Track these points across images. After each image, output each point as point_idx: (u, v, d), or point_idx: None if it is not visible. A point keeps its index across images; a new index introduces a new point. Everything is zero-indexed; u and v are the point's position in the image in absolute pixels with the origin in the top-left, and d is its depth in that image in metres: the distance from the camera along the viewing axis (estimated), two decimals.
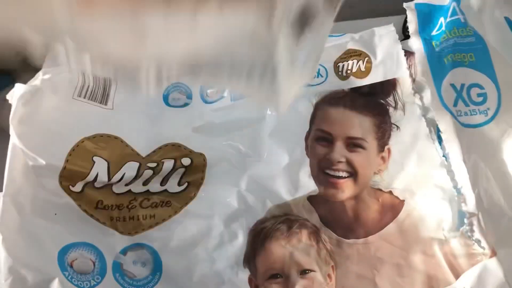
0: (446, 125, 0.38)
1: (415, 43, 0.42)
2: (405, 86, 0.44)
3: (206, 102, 0.45)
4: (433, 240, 0.38)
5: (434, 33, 0.41)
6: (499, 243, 0.35)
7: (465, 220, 0.36)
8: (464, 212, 0.36)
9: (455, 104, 0.38)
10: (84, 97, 0.42)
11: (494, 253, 0.35)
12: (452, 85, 0.38)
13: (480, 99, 0.38)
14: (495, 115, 0.38)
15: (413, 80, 0.44)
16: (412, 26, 0.42)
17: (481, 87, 0.38)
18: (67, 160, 0.40)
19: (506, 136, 0.37)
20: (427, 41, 0.41)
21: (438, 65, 0.39)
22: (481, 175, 0.36)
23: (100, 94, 0.43)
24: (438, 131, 0.41)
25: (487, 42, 0.38)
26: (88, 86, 0.42)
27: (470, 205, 0.36)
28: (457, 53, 0.38)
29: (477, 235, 0.35)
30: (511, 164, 0.37)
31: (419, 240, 0.38)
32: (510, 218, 0.36)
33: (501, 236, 0.35)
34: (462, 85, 0.38)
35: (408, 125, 0.43)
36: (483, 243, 0.35)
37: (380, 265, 0.38)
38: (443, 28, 0.40)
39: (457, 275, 0.36)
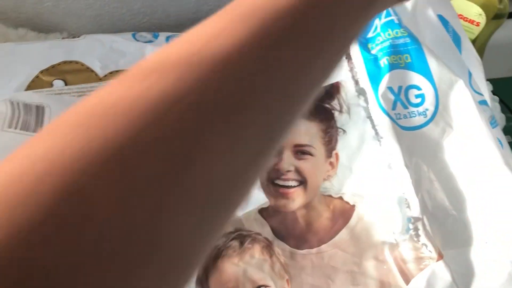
0: (385, 130, 0.38)
1: (352, 46, 0.41)
2: (348, 89, 0.44)
3: None
4: (384, 244, 0.38)
5: (370, 35, 0.41)
6: (445, 244, 0.35)
7: (410, 226, 0.36)
8: (409, 217, 0.36)
9: (393, 108, 0.38)
10: (15, 128, 0.40)
11: (441, 256, 0.35)
12: (390, 88, 0.38)
13: (419, 100, 0.38)
14: (434, 115, 0.38)
15: (356, 82, 0.44)
16: None
17: (418, 88, 0.38)
18: None
19: (446, 135, 0.37)
20: (363, 44, 0.40)
21: (375, 69, 0.39)
22: (424, 178, 0.36)
23: (33, 123, 0.41)
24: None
25: (421, 42, 0.38)
26: (19, 116, 0.40)
27: (415, 210, 0.36)
28: (393, 55, 0.38)
29: (423, 239, 0.35)
30: (453, 163, 0.37)
31: (371, 245, 0.38)
32: (455, 218, 0.36)
33: (447, 237, 0.35)
34: (400, 88, 0.38)
35: (354, 128, 0.43)
36: (430, 247, 0.35)
37: (334, 274, 0.38)
38: (378, 30, 0.40)
39: (407, 280, 0.36)
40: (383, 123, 0.38)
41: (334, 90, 0.45)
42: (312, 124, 0.43)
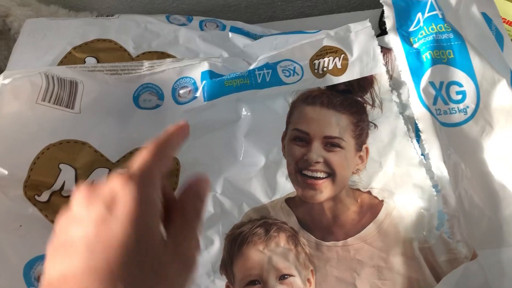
0: (425, 124, 0.37)
1: (393, 39, 0.41)
2: (382, 83, 0.44)
3: (178, 103, 0.43)
4: (413, 240, 0.37)
5: (411, 29, 0.40)
6: (480, 244, 0.34)
7: (446, 223, 0.35)
8: (445, 213, 0.36)
9: (434, 103, 0.37)
10: (49, 101, 0.40)
11: (475, 255, 0.35)
12: (431, 83, 0.37)
13: (459, 97, 0.37)
14: (475, 113, 0.37)
15: (390, 77, 0.43)
16: (389, 22, 0.41)
17: (460, 85, 0.37)
18: (31, 169, 0.37)
19: (485, 134, 0.37)
20: (405, 38, 0.40)
21: (417, 62, 0.38)
22: (462, 176, 0.36)
23: (66, 97, 0.41)
24: (416, 129, 0.40)
25: (464, 38, 0.38)
26: (53, 89, 0.40)
27: (451, 207, 0.35)
28: (436, 50, 0.37)
29: (458, 237, 0.35)
30: (491, 163, 0.36)
31: (399, 241, 0.38)
32: (489, 218, 0.35)
33: (482, 237, 0.35)
34: (441, 83, 0.37)
35: (386, 123, 0.42)
36: (464, 245, 0.35)
37: (360, 268, 0.38)
38: (421, 24, 0.39)
39: (438, 278, 0.35)
40: (424, 117, 0.37)
41: (367, 84, 0.44)
42: (343, 117, 0.43)
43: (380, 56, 0.44)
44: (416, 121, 0.38)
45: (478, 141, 0.37)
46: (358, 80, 0.44)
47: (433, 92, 0.37)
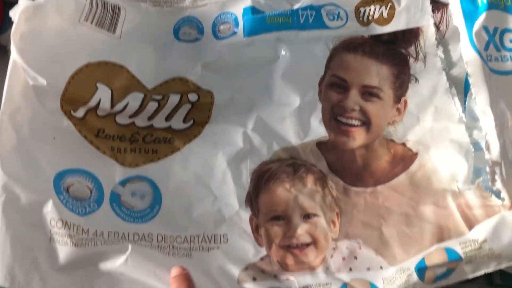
0: (474, 68, 0.36)
1: None
2: (428, 36, 0.42)
3: (217, 37, 0.43)
4: (446, 191, 0.36)
5: None
6: None
7: (487, 169, 0.34)
8: (487, 160, 0.34)
9: (486, 48, 0.36)
10: (91, 22, 0.40)
11: None
12: (485, 28, 0.36)
13: None
14: None
15: (438, 30, 0.42)
16: None
17: None
18: (69, 82, 0.38)
19: None
20: None
21: (471, 6, 0.37)
22: (508, 124, 0.34)
23: (108, 21, 0.41)
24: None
25: None
26: (96, 11, 0.40)
27: (494, 153, 0.34)
28: None
29: (498, 184, 0.34)
30: None
31: (431, 192, 0.37)
32: None
33: None
34: (496, 29, 0.36)
35: (428, 77, 0.41)
36: (504, 193, 0.34)
37: (388, 214, 0.37)
38: None
39: (470, 226, 0.34)
40: (474, 61, 0.36)
41: (412, 36, 0.43)
42: (384, 67, 0.42)
43: (428, 7, 0.42)
44: (465, 64, 0.36)
45: None
46: (403, 31, 0.43)
47: (486, 37, 0.36)
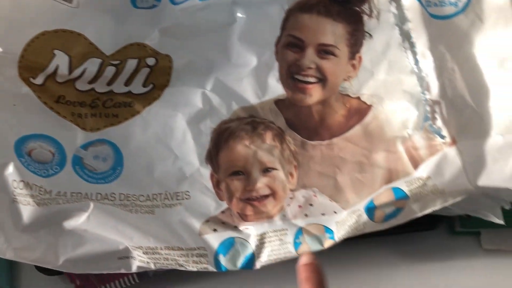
0: (414, 14, 0.37)
1: None
2: None
3: (174, 3, 0.43)
4: (396, 138, 0.38)
5: None
6: (460, 133, 0.34)
7: (427, 108, 0.35)
8: (427, 99, 0.36)
9: None
10: None
11: (454, 142, 0.35)
12: None
13: None
14: (466, 6, 0.37)
15: None
16: None
17: None
18: (25, 50, 0.39)
19: (475, 28, 0.36)
20: None
21: None
22: (447, 66, 0.36)
23: None
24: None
25: None
26: None
27: (434, 93, 0.35)
28: None
29: (439, 123, 0.35)
30: (478, 56, 0.36)
31: (383, 140, 0.38)
32: (473, 109, 0.35)
33: (463, 127, 0.35)
34: None
35: (381, 33, 0.42)
36: (444, 131, 0.35)
37: (343, 164, 0.38)
38: None
39: (416, 166, 0.36)
40: (413, 7, 0.37)
41: None
42: (339, 25, 0.43)
43: None
44: (405, 11, 0.37)
45: (467, 34, 0.36)
46: None
47: None
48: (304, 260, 0.31)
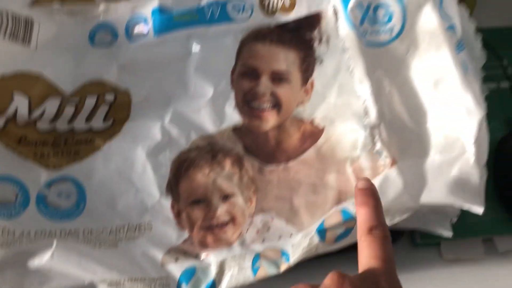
0: (351, 43, 0.39)
1: None
2: (329, 19, 0.45)
3: (131, 39, 0.45)
4: (346, 159, 0.39)
5: None
6: (401, 154, 0.36)
7: (367, 131, 0.37)
8: (366, 124, 0.37)
9: (361, 23, 0.39)
10: (4, 37, 0.42)
11: (394, 163, 0.36)
12: (359, 5, 0.39)
13: (386, 18, 0.39)
14: (400, 33, 0.39)
15: (335, 12, 0.45)
16: None
17: (387, 6, 0.39)
18: None
19: (410, 53, 0.38)
20: None
21: None
22: (385, 90, 0.38)
23: (21, 34, 0.42)
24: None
25: None
26: (7, 25, 0.42)
27: (372, 116, 0.37)
28: None
29: (379, 146, 0.37)
30: (415, 80, 0.38)
31: (335, 161, 0.40)
32: (411, 130, 0.37)
33: (403, 148, 0.36)
34: (369, 5, 0.39)
35: (331, 58, 0.44)
36: (385, 153, 0.37)
37: (298, 186, 0.40)
38: None
39: None
40: (350, 36, 0.39)
41: (315, 21, 0.46)
42: (291, 52, 0.45)
43: None
44: (343, 40, 0.39)
45: (403, 59, 0.38)
46: (306, 17, 0.45)
47: (360, 13, 0.39)
48: (361, 184, 0.32)
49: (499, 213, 0.47)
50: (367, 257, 0.28)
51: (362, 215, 0.30)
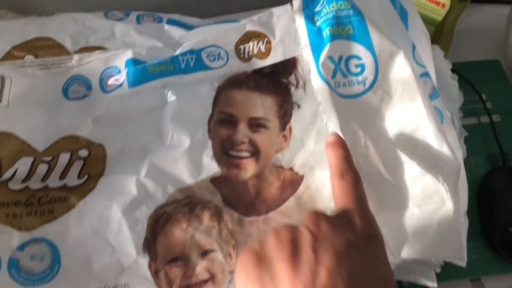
0: (324, 96, 0.38)
1: (298, 20, 0.42)
2: (305, 64, 0.45)
3: (105, 91, 0.44)
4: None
5: (317, 9, 0.42)
6: (379, 207, 0.35)
7: None
8: None
9: (333, 76, 0.39)
10: None
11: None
12: (330, 58, 0.39)
13: (358, 69, 0.39)
14: (373, 84, 0.38)
15: None
16: (296, 3, 0.42)
17: (359, 58, 0.39)
18: None
19: (384, 103, 0.38)
20: (309, 17, 0.41)
21: (317, 39, 0.40)
22: (360, 143, 0.37)
23: None
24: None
25: (364, 14, 0.39)
26: None
27: None
28: (336, 26, 0.39)
29: None
30: (390, 130, 0.37)
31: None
32: (389, 183, 0.36)
33: (381, 201, 0.36)
34: (340, 57, 0.39)
35: (309, 103, 0.44)
36: None
37: None
38: (325, 3, 0.41)
39: None
40: (322, 90, 0.39)
41: (291, 65, 0.45)
42: (268, 98, 0.44)
43: (300, 38, 0.45)
44: (315, 94, 0.39)
45: (377, 110, 0.38)
46: (282, 63, 0.45)
47: (331, 66, 0.39)
48: (330, 138, 0.35)
49: (486, 252, 0.46)
50: (340, 199, 0.32)
51: (333, 163, 0.34)
